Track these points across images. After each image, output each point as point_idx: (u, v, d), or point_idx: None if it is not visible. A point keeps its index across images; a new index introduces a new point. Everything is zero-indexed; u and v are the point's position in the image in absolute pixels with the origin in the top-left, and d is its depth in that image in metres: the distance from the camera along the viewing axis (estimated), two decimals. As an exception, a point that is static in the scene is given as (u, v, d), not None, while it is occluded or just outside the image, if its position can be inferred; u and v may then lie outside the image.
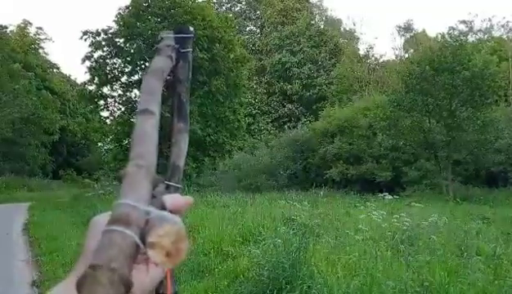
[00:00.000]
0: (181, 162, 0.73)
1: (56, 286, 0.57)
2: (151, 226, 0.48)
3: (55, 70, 48.99)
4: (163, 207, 0.55)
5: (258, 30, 53.97)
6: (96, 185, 25.90)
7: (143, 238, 0.47)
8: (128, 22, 23.34)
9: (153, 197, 0.53)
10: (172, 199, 0.58)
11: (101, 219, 0.56)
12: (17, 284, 7.40)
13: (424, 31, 49.33)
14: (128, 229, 0.46)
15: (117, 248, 0.44)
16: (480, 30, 47.55)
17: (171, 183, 0.70)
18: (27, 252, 9.97)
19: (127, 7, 24.31)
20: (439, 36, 41.37)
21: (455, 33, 27.12)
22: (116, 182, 26.36)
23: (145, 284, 0.53)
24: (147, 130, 0.57)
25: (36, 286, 7.16)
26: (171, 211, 0.55)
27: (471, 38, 40.92)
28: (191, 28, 0.78)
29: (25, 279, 7.60)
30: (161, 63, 0.71)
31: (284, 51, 47.45)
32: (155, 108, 0.60)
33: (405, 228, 8.37)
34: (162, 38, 0.76)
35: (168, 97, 0.77)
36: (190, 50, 0.78)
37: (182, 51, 0.76)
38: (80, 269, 0.51)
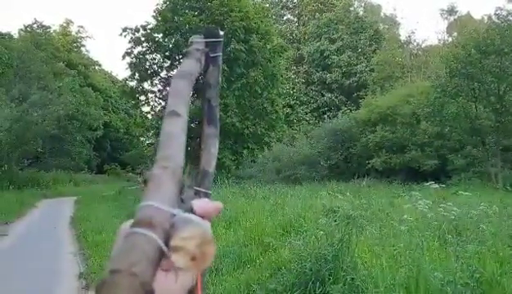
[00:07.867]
0: (211, 168, 0.72)
1: None
2: (175, 229, 0.47)
3: (96, 67, 50.37)
4: (191, 212, 0.53)
5: (296, 19, 53.44)
6: (139, 179, 26.43)
7: (167, 242, 0.45)
8: (166, 17, 23.57)
9: (182, 202, 0.52)
10: (200, 203, 0.57)
11: (128, 225, 0.54)
12: (65, 276, 7.62)
13: (468, 13, 47.48)
14: (152, 231, 0.43)
15: (139, 252, 0.41)
16: (530, 9, 45.27)
17: (200, 189, 0.68)
18: (74, 245, 10.28)
19: (164, 2, 24.55)
20: (485, 17, 39.73)
21: (503, 13, 25.80)
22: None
23: (174, 293, 0.48)
24: (174, 132, 0.56)
25: (83, 278, 7.35)
26: (200, 216, 0.52)
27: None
28: (221, 32, 0.78)
29: (73, 271, 7.82)
30: (190, 66, 0.71)
31: (322, 39, 46.70)
32: (183, 110, 0.60)
33: (452, 217, 8.07)
34: (192, 42, 0.76)
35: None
36: (220, 54, 0.77)
37: (212, 55, 0.76)
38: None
